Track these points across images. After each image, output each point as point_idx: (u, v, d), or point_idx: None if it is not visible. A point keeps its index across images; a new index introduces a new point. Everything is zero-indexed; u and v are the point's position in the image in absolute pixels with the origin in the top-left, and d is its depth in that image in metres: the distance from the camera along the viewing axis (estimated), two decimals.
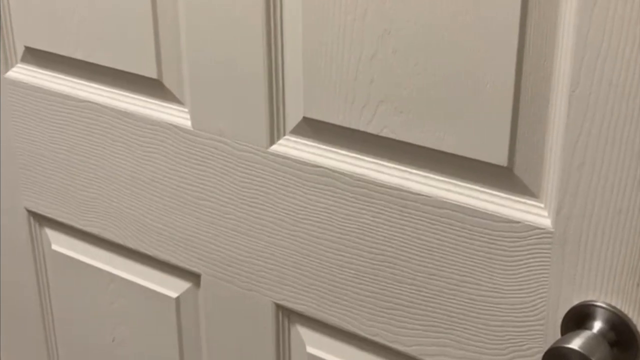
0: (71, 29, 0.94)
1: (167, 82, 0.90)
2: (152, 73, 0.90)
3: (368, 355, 0.85)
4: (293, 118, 0.82)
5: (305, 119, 0.81)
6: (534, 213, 0.70)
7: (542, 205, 0.70)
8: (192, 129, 0.88)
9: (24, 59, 1.02)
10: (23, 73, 1.03)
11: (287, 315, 0.90)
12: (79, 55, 0.95)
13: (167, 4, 0.86)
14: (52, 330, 1.16)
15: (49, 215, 1.07)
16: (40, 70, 1.01)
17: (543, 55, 0.66)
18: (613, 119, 0.63)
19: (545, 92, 0.67)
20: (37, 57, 1.01)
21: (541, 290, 0.71)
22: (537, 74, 0.66)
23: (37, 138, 1.04)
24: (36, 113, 1.02)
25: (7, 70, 1.04)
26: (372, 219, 0.79)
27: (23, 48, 1.01)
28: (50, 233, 1.10)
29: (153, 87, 0.91)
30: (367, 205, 0.79)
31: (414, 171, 0.76)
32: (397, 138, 0.75)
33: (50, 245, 1.10)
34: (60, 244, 1.09)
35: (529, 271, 0.71)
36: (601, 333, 0.68)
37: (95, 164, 0.99)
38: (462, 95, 0.70)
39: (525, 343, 0.74)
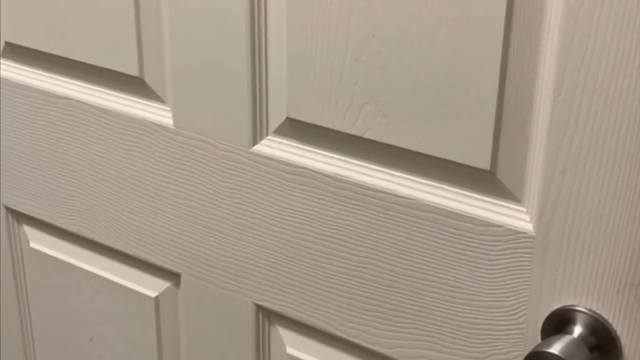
0: (53, 25, 0.93)
1: (149, 80, 0.89)
2: (134, 71, 0.89)
3: (348, 357, 0.85)
4: (276, 118, 0.81)
5: (288, 119, 0.80)
6: (516, 217, 0.70)
7: (524, 210, 0.70)
8: (174, 127, 0.88)
9: (4, 55, 1.01)
10: (3, 69, 1.01)
11: (267, 316, 0.90)
12: (60, 51, 0.94)
13: (150, 1, 0.85)
14: (30, 329, 1.15)
15: (28, 213, 1.06)
16: (21, 67, 1.00)
17: (527, 60, 0.66)
18: (596, 125, 0.63)
19: (528, 97, 0.67)
20: (18, 53, 1.00)
21: (522, 294, 0.71)
22: (521, 79, 0.66)
23: (16, 135, 1.03)
24: (16, 109, 1.01)
25: None
26: (354, 220, 0.79)
27: (3, 44, 1.00)
28: (29, 231, 1.09)
29: (135, 84, 0.90)
30: (350, 207, 0.79)
31: (397, 174, 0.76)
32: (381, 140, 0.75)
33: (28, 243, 1.09)
34: (39, 242, 1.08)
35: (509, 275, 0.72)
36: (581, 338, 0.68)
37: (75, 162, 0.98)
38: (446, 98, 0.70)
39: (505, 347, 0.74)
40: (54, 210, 1.03)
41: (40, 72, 0.98)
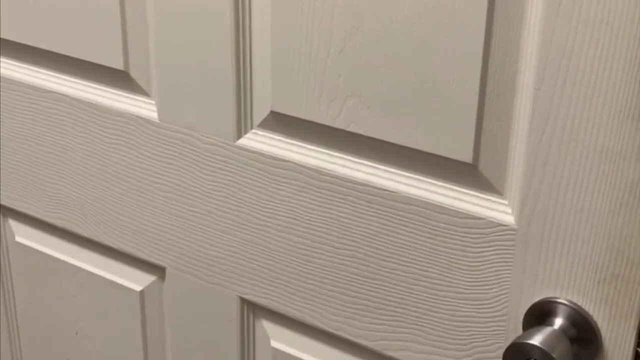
0: (37, 18, 0.93)
1: (134, 74, 0.89)
2: (119, 64, 0.89)
3: (332, 350, 0.86)
4: (261, 112, 0.82)
5: (272, 113, 0.81)
6: (498, 210, 0.71)
7: (506, 202, 0.71)
8: (158, 121, 0.88)
9: None
10: None
11: (252, 309, 0.90)
12: (45, 45, 0.94)
13: None
14: (15, 323, 1.15)
15: (13, 207, 1.06)
16: (6, 60, 1.00)
17: (509, 54, 0.66)
18: (576, 119, 0.64)
19: (510, 91, 0.67)
20: (3, 46, 0.99)
21: (504, 286, 0.72)
22: (503, 72, 0.67)
23: (1, 128, 1.02)
24: (0, 103, 1.01)
25: None
26: (337, 213, 0.79)
27: None
28: (14, 224, 1.08)
29: (120, 78, 0.90)
30: (333, 200, 0.79)
31: (381, 166, 0.76)
32: (364, 133, 0.75)
33: (13, 236, 1.09)
34: (24, 236, 1.08)
35: (492, 267, 0.72)
36: (562, 329, 0.69)
37: (60, 156, 0.98)
38: (429, 92, 0.70)
39: (487, 338, 0.74)
40: (39, 204, 1.03)
41: (26, 65, 0.98)
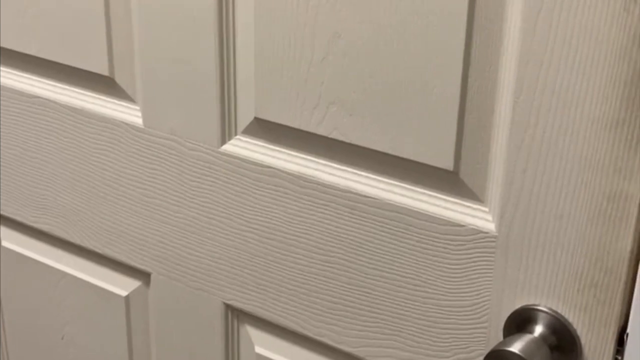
0: (24, 24, 0.93)
1: (119, 80, 0.89)
2: (104, 70, 0.89)
3: (315, 355, 0.86)
4: (244, 118, 0.82)
5: (256, 119, 0.81)
6: (478, 217, 0.71)
7: (486, 210, 0.71)
8: (143, 127, 0.88)
9: None
10: None
11: (236, 315, 0.90)
12: (31, 50, 0.94)
13: (120, 1, 0.85)
14: (2, 327, 1.15)
15: None
16: None
17: (489, 62, 0.67)
18: (555, 126, 0.64)
19: (490, 99, 0.68)
20: None
21: (485, 294, 0.72)
22: (483, 80, 0.67)
23: None
24: None
25: None
26: (320, 220, 0.79)
27: None
28: (1, 229, 1.08)
29: (105, 84, 0.90)
30: (316, 206, 0.79)
31: (363, 173, 0.77)
32: (347, 140, 0.75)
33: (0, 241, 1.09)
34: (10, 241, 1.08)
35: (473, 274, 0.72)
36: (542, 337, 0.69)
37: (46, 161, 0.98)
38: (410, 99, 0.70)
39: (468, 345, 0.75)
40: (25, 209, 1.03)
41: (10, 70, 0.98)
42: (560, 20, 0.61)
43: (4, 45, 0.97)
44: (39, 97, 0.95)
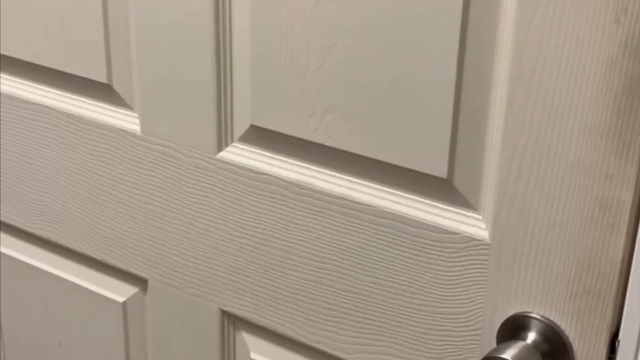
0: (22, 30, 0.94)
1: (117, 87, 0.90)
2: (102, 77, 0.90)
3: None
4: (241, 126, 0.82)
5: (252, 126, 0.81)
6: (472, 225, 0.72)
7: (480, 217, 0.71)
8: (140, 134, 0.89)
9: None
10: None
11: (232, 321, 0.91)
12: (28, 57, 0.95)
13: (118, 8, 0.86)
14: None
15: None
16: None
17: (482, 70, 0.67)
18: (548, 134, 0.65)
19: (484, 107, 0.68)
20: None
21: (478, 301, 0.72)
22: (476, 89, 0.68)
23: None
24: None
25: None
26: (316, 227, 0.80)
27: None
28: None
29: (103, 91, 0.91)
30: (312, 214, 0.79)
31: (358, 181, 0.77)
32: (342, 148, 0.76)
33: None
34: (7, 246, 1.08)
35: (466, 281, 0.73)
36: (535, 344, 0.69)
37: (43, 167, 0.98)
38: (404, 107, 0.71)
39: (462, 352, 0.75)
40: (22, 215, 1.03)
41: (8, 77, 0.99)
42: (552, 30, 0.62)
43: (2, 52, 0.97)
44: (37, 103, 0.96)
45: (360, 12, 0.71)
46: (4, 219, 1.06)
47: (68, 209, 0.98)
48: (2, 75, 0.99)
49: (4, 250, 1.08)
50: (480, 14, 0.66)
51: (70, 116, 0.94)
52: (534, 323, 0.70)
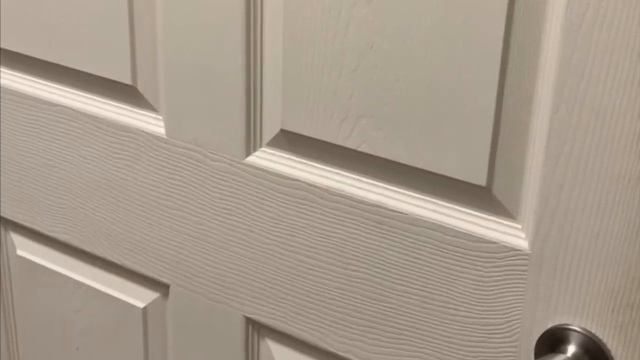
0: (46, 32, 0.92)
1: (142, 89, 0.88)
2: (126, 79, 0.88)
3: None
4: (270, 130, 0.81)
5: (282, 131, 0.80)
6: (511, 234, 0.70)
7: (519, 227, 0.70)
8: (166, 137, 0.87)
9: None
10: None
11: (257, 329, 0.89)
12: (52, 58, 0.93)
13: (144, 9, 0.85)
14: (15, 338, 1.14)
15: (15, 220, 1.05)
16: (13, 73, 0.99)
17: (525, 76, 0.65)
18: (593, 143, 0.63)
19: (526, 113, 0.66)
20: (9, 58, 0.99)
21: (516, 312, 0.71)
22: (519, 95, 0.66)
23: (5, 141, 1.01)
24: (6, 116, 1.00)
25: None
26: (347, 234, 0.78)
27: None
28: (16, 238, 1.07)
29: (127, 93, 0.89)
30: (343, 221, 0.78)
31: (392, 188, 0.75)
32: (376, 154, 0.74)
33: (15, 250, 1.08)
34: (26, 250, 1.07)
35: (504, 292, 0.71)
36: (575, 357, 0.68)
37: (64, 169, 0.97)
38: (443, 113, 0.69)
39: None
40: (42, 218, 1.02)
41: (33, 78, 0.97)
42: (601, 35, 0.60)
43: (25, 52, 0.96)
44: (60, 105, 0.94)
45: (399, 14, 0.69)
46: (22, 222, 1.04)
47: (89, 212, 0.97)
48: (25, 75, 0.98)
49: (22, 253, 1.07)
50: (525, 16, 0.64)
51: (93, 118, 0.92)
52: (574, 335, 0.68)
